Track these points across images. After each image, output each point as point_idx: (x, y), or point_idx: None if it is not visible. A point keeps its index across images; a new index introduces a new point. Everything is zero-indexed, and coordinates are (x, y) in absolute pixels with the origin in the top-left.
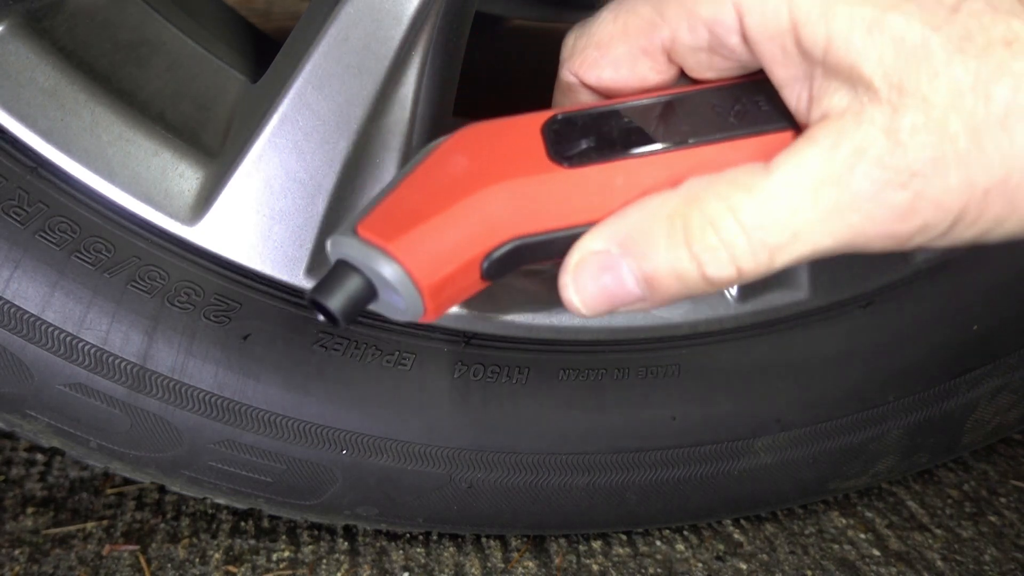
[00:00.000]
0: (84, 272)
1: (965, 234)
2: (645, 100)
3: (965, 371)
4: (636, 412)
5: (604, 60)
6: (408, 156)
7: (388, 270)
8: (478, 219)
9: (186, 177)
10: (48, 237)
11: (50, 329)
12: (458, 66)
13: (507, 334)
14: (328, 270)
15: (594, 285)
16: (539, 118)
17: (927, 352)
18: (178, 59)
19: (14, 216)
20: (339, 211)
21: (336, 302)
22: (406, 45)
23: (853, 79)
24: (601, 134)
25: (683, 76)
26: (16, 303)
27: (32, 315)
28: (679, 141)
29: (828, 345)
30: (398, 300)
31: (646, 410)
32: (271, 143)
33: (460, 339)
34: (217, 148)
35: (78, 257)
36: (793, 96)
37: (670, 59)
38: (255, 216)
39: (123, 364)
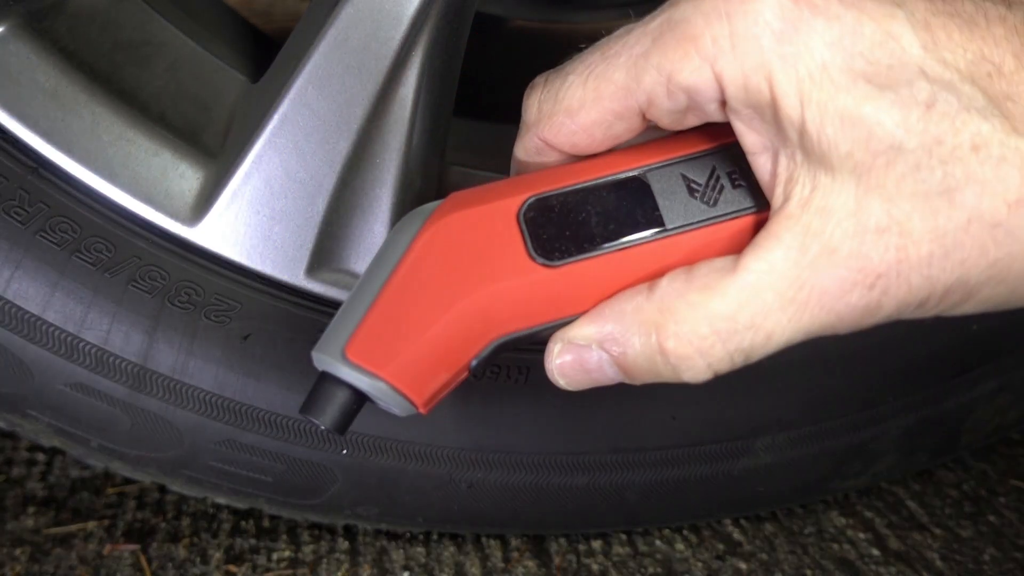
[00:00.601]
0: (85, 272)
1: (924, 314)
2: (618, 175)
3: (964, 371)
4: (636, 412)
5: (575, 126)
6: (408, 156)
7: (383, 393)
8: (464, 329)
9: (186, 177)
10: (49, 237)
11: (51, 329)
12: (458, 66)
13: None
14: (314, 384)
15: (577, 371)
16: (513, 203)
17: (927, 352)
18: (179, 59)
19: (15, 216)
20: (339, 211)
21: (329, 419)
22: (406, 45)
23: (823, 167)
24: (578, 223)
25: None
26: (17, 303)
27: (33, 315)
28: (656, 231)
29: (828, 345)
30: (392, 407)
31: (646, 410)
32: (271, 143)
33: None
34: (217, 148)
35: (79, 257)
36: (760, 164)
37: (644, 118)
38: (255, 216)
39: (124, 364)
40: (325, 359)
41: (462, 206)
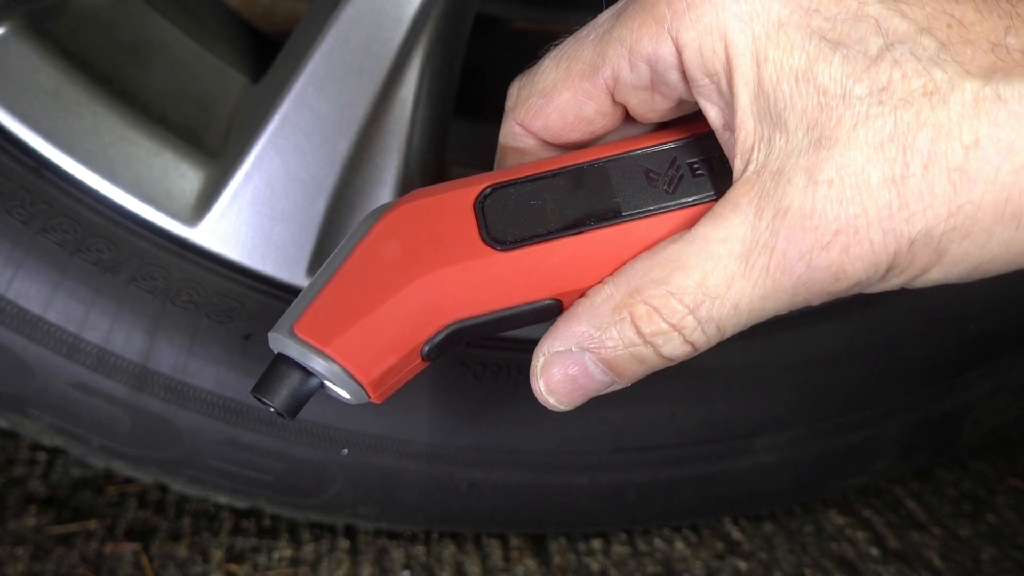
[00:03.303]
0: (86, 272)
1: (894, 282)
2: (579, 163)
3: (963, 371)
4: (636, 411)
5: (549, 107)
6: (408, 157)
7: (328, 371)
8: (414, 311)
9: (187, 177)
10: (50, 237)
11: (52, 329)
12: (458, 67)
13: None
14: (268, 365)
15: (565, 382)
16: (471, 192)
17: (925, 352)
18: (179, 60)
19: (17, 216)
20: (340, 211)
21: (279, 400)
22: (406, 47)
23: (778, 128)
24: (534, 210)
25: (628, 119)
26: (19, 303)
27: (34, 315)
28: (611, 217)
29: (828, 345)
30: (342, 392)
31: (646, 409)
32: (272, 143)
33: None
34: (218, 148)
35: (80, 257)
36: (726, 140)
37: (614, 100)
38: (256, 216)
39: (125, 364)
40: (276, 337)
41: (422, 196)
